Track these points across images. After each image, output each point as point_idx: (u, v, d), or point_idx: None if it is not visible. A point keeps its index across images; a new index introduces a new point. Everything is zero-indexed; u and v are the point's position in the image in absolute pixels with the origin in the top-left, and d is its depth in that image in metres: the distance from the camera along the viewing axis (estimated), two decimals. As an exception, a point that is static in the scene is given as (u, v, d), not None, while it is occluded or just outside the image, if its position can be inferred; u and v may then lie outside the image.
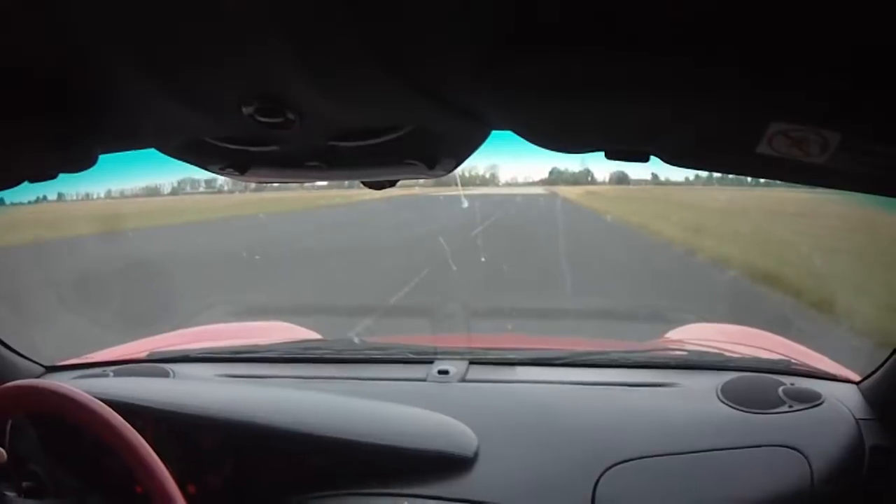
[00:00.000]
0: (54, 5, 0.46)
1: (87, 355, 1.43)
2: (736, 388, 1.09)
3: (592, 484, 0.96)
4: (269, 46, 0.49)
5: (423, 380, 1.21)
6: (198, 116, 0.62)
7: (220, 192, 12.84)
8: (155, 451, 0.84)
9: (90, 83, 0.59)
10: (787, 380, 1.10)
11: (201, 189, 12.50)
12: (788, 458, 0.96)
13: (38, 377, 1.26)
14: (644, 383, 1.17)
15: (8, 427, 1.07)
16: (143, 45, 0.50)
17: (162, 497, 0.81)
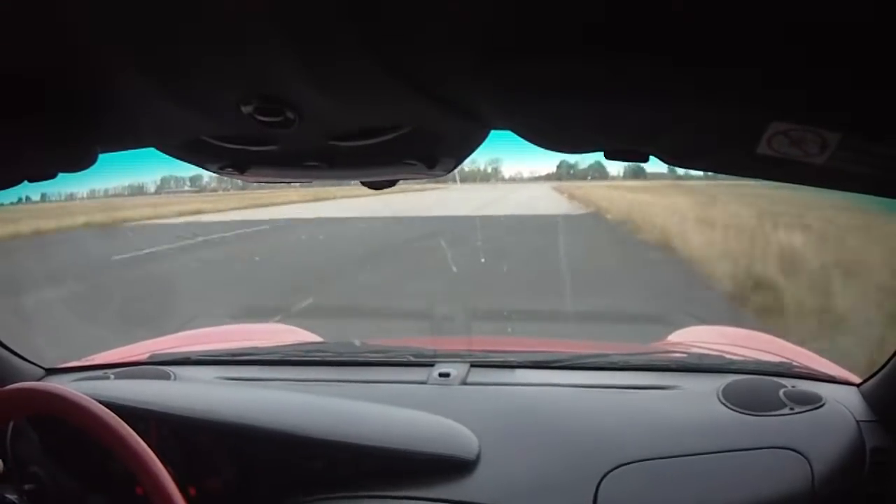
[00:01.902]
0: (54, 5, 0.46)
1: (88, 357, 1.43)
2: (737, 390, 1.09)
3: (594, 487, 0.96)
4: (269, 46, 0.49)
5: (424, 382, 1.21)
6: (197, 115, 0.62)
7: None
8: (156, 453, 0.84)
9: (90, 83, 0.59)
10: (787, 382, 1.09)
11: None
12: (789, 461, 0.96)
13: (38, 379, 1.26)
14: (645, 386, 1.17)
15: (9, 430, 1.07)
16: (143, 45, 0.51)
17: (162, 499, 0.81)
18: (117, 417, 0.85)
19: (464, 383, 1.20)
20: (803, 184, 0.61)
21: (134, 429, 0.86)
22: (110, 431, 0.84)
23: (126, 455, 0.83)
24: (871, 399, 1.05)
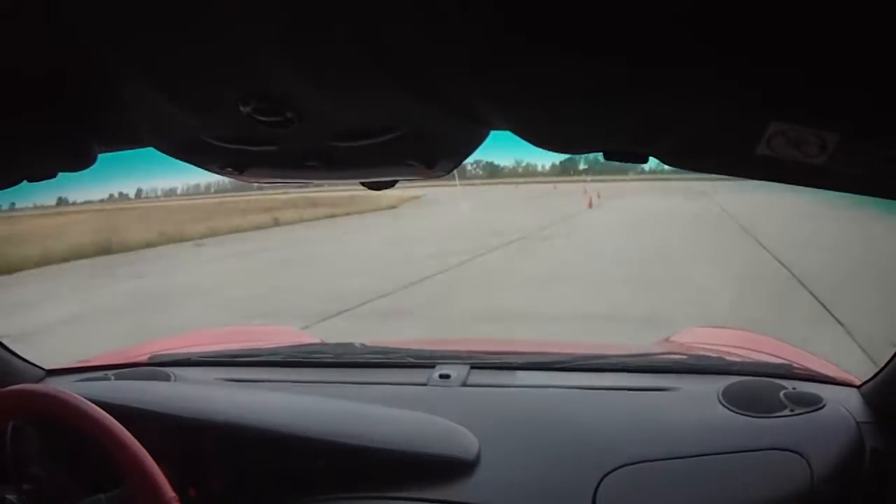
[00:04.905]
0: (54, 5, 0.46)
1: (89, 359, 1.43)
2: (737, 391, 1.09)
3: (593, 488, 0.95)
4: (268, 46, 0.49)
5: (424, 384, 1.21)
6: (196, 115, 0.62)
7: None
8: (155, 454, 0.84)
9: (89, 82, 0.59)
10: (788, 383, 1.09)
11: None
12: (789, 462, 0.96)
13: (38, 381, 1.26)
14: (645, 387, 1.17)
15: (9, 430, 1.07)
16: (143, 45, 0.51)
17: (158, 500, 0.81)
18: (113, 419, 0.85)
19: (464, 385, 1.20)
20: (803, 185, 0.61)
21: (134, 430, 0.86)
22: (106, 433, 0.84)
23: (122, 456, 0.83)
24: (871, 401, 1.05)
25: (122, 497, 0.88)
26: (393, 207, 17.93)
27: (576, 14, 0.45)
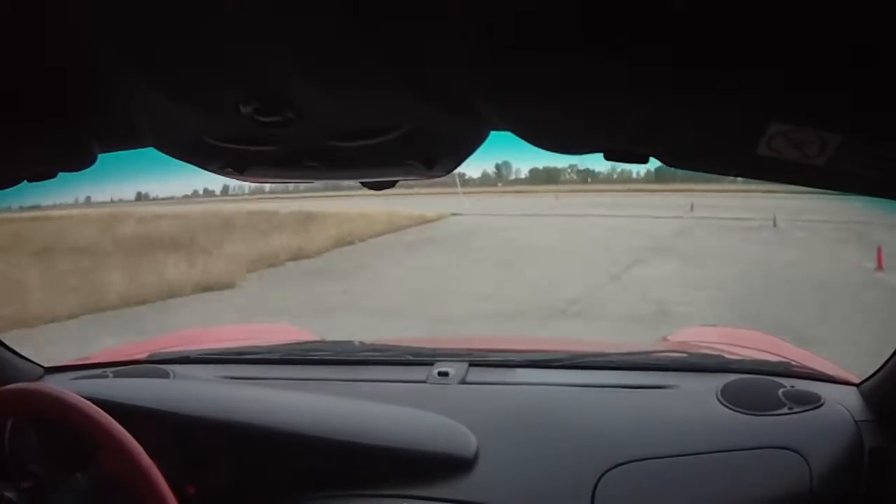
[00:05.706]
0: (54, 6, 0.46)
1: (87, 356, 1.43)
2: (736, 390, 1.09)
3: (592, 486, 0.96)
4: (269, 46, 0.49)
5: (423, 381, 1.21)
6: (197, 115, 0.62)
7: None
8: (154, 451, 0.84)
9: (90, 83, 0.59)
10: (786, 382, 1.09)
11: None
12: (788, 461, 0.96)
13: (37, 378, 1.26)
14: (644, 385, 1.17)
15: (7, 427, 1.07)
16: (143, 45, 0.51)
17: (156, 499, 0.81)
18: (110, 417, 0.85)
19: (463, 382, 1.20)
20: (803, 185, 0.61)
21: (132, 427, 0.86)
22: (103, 431, 0.84)
23: (118, 455, 0.83)
24: (870, 399, 1.05)
25: (98, 472, 0.88)
26: (309, 258, 8.84)
27: (576, 14, 0.45)
